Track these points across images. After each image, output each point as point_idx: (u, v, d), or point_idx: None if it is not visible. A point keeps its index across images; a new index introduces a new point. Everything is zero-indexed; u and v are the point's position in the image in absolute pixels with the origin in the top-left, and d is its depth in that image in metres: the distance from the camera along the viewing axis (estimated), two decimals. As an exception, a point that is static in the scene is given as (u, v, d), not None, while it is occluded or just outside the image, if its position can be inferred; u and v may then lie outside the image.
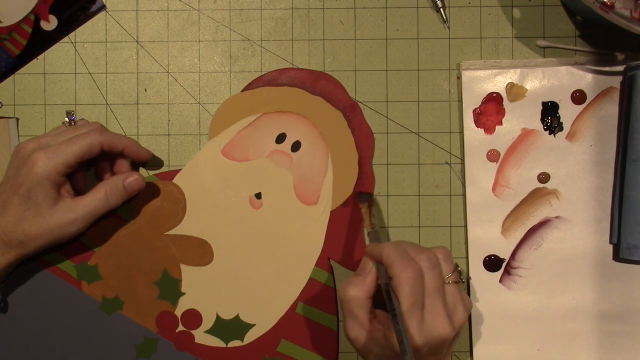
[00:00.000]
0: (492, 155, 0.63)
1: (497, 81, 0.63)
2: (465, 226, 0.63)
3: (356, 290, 0.51)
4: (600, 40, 0.63)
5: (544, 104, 0.63)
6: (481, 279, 0.63)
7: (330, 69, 0.64)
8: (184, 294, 0.63)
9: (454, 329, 0.50)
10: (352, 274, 0.53)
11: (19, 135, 0.63)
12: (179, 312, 0.63)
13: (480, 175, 0.63)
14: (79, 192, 0.61)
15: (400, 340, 0.47)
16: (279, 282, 0.63)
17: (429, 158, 0.63)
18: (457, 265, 0.53)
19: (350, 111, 0.63)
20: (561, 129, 0.63)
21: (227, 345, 0.63)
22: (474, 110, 0.63)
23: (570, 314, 0.62)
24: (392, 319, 0.48)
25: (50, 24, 0.63)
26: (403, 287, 0.48)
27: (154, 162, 0.64)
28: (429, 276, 0.50)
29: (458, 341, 0.55)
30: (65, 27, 0.63)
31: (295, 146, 0.63)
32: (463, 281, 0.53)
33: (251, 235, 0.63)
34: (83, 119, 0.63)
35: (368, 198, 0.61)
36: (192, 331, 0.63)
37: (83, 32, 0.64)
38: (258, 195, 0.63)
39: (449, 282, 0.52)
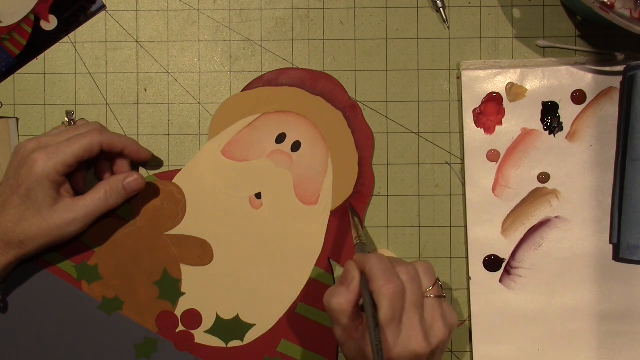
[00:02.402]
0: (492, 155, 0.63)
1: (497, 81, 0.63)
2: (465, 226, 0.63)
3: (341, 301, 0.51)
4: (600, 40, 0.63)
5: (544, 104, 0.63)
6: (481, 279, 0.63)
7: (330, 69, 0.64)
8: (184, 294, 0.63)
9: (430, 345, 0.50)
10: (337, 282, 0.53)
11: (19, 135, 0.63)
12: (179, 312, 0.63)
13: (480, 175, 0.63)
14: (78, 192, 0.61)
15: (377, 352, 0.47)
16: (279, 282, 0.63)
17: (429, 158, 0.63)
18: (438, 280, 0.52)
19: (350, 111, 0.63)
20: (561, 129, 0.63)
21: (227, 345, 0.63)
22: (474, 110, 0.63)
23: (570, 314, 0.62)
24: (369, 330, 0.48)
25: (50, 24, 0.63)
26: (383, 301, 0.49)
27: (154, 162, 0.64)
28: (408, 290, 0.50)
29: (444, 353, 0.55)
30: (65, 27, 0.63)
31: (295, 146, 0.63)
32: (444, 296, 0.52)
33: (251, 235, 0.63)
34: (83, 119, 0.63)
35: (357, 216, 0.61)
36: (192, 331, 0.63)
37: (83, 32, 0.64)
38: (258, 195, 0.63)
39: (429, 297, 0.51)
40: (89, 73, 0.64)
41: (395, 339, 0.49)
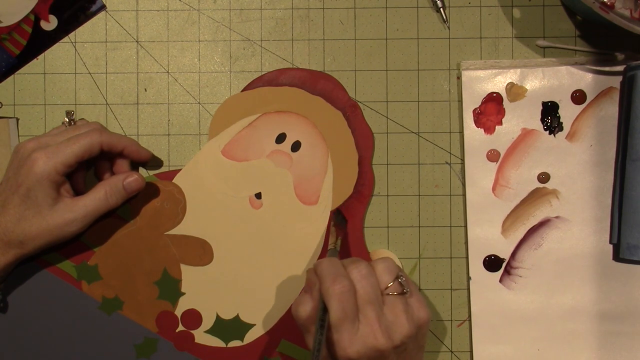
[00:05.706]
0: (492, 155, 0.63)
1: (497, 81, 0.63)
2: (465, 226, 0.63)
3: (307, 309, 0.51)
4: (600, 40, 0.63)
5: (544, 104, 0.63)
6: (481, 279, 0.63)
7: (330, 69, 0.64)
8: (184, 294, 0.63)
9: (391, 340, 0.49)
10: (301, 291, 0.53)
11: (19, 135, 0.63)
12: (179, 312, 0.63)
13: (480, 175, 0.63)
14: (78, 192, 0.61)
15: (315, 351, 0.48)
16: (279, 282, 0.63)
17: (429, 158, 0.63)
18: (400, 276, 0.52)
19: (350, 111, 0.63)
20: (561, 129, 0.63)
21: (227, 345, 0.63)
22: (474, 110, 0.63)
23: (570, 314, 0.62)
24: (316, 329, 0.49)
25: (50, 24, 0.63)
26: (331, 302, 0.49)
27: (154, 162, 0.64)
28: (360, 287, 0.50)
29: (424, 351, 0.54)
30: (65, 27, 0.63)
31: (295, 146, 0.63)
32: (406, 292, 0.51)
33: (251, 235, 0.63)
34: (83, 118, 0.63)
35: (342, 223, 0.61)
36: (192, 331, 0.63)
37: (83, 32, 0.64)
38: (258, 195, 0.63)
39: (389, 294, 0.51)
40: (89, 73, 0.64)
41: (352, 336, 0.49)
